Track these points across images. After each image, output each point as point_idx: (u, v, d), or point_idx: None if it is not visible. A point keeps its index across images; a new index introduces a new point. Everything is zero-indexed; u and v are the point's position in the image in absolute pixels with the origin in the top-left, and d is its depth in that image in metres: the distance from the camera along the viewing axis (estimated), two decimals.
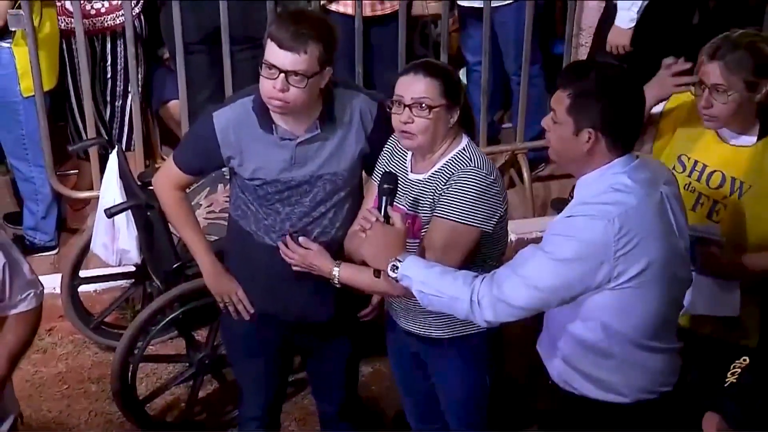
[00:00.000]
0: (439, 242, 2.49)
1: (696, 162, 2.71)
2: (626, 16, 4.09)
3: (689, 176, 2.71)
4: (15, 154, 4.10)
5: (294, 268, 2.68)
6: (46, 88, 3.90)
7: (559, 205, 4.29)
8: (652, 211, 2.25)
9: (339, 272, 2.59)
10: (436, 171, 2.56)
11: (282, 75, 2.50)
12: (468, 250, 2.50)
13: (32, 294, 2.48)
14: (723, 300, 2.67)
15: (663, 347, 2.39)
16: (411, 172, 2.61)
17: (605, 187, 2.25)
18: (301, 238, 2.66)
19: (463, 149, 2.56)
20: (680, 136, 2.77)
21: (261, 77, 2.54)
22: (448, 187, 2.51)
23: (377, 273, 2.42)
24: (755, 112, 2.62)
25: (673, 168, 2.69)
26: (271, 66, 2.51)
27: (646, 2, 4.06)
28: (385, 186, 2.48)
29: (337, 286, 2.62)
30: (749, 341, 2.69)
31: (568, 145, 2.29)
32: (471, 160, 2.53)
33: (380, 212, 2.45)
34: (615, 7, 4.16)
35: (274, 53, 2.50)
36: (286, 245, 2.66)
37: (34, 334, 2.57)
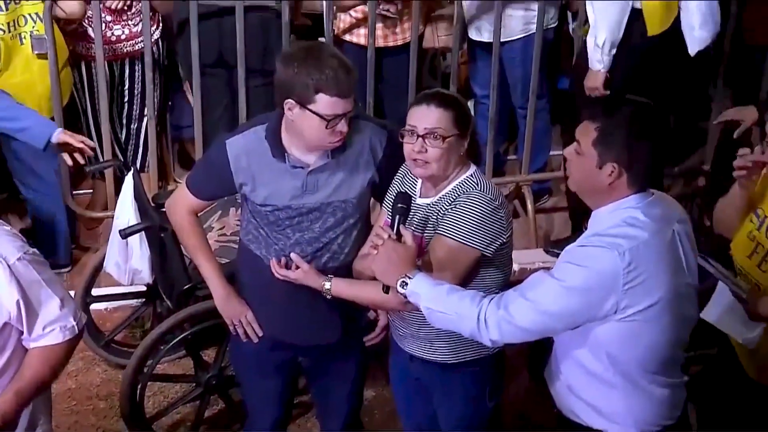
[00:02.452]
0: (437, 259, 2.54)
1: (766, 217, 2.70)
2: (594, 58, 4.04)
3: (758, 229, 2.70)
4: (23, 172, 4.15)
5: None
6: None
7: (555, 247, 4.32)
8: (662, 247, 2.28)
9: (331, 285, 2.67)
10: (443, 195, 2.62)
11: (344, 119, 2.60)
12: (464, 271, 2.54)
13: (56, 329, 2.38)
14: (744, 325, 2.69)
15: (667, 381, 2.41)
16: (420, 196, 2.68)
17: (619, 221, 2.28)
18: (292, 255, 2.72)
19: (471, 175, 2.62)
20: (761, 190, 2.75)
21: (329, 129, 2.59)
22: (452, 208, 2.57)
23: (386, 289, 2.47)
24: None
25: (750, 219, 2.72)
26: (334, 116, 2.58)
27: (613, 48, 4.00)
28: (399, 205, 2.53)
29: (328, 297, 2.68)
30: None
31: (589, 176, 2.31)
32: (477, 185, 2.59)
33: (392, 230, 2.50)
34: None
35: (335, 104, 2.57)
36: (277, 266, 2.73)
37: (54, 372, 2.45)
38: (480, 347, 2.68)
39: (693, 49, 4.05)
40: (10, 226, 2.43)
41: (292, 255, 2.73)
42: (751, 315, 2.66)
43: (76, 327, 2.42)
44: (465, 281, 2.55)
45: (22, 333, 2.39)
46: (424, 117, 2.56)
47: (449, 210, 2.57)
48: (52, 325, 2.38)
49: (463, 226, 2.54)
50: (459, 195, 2.58)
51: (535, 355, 2.80)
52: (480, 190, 2.58)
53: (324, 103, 2.57)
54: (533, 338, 2.36)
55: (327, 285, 2.68)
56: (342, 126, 2.60)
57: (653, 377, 2.38)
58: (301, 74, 2.57)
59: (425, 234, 2.63)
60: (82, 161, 3.54)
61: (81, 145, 3.47)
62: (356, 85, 2.61)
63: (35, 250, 2.39)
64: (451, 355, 2.71)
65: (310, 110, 2.57)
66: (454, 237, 2.54)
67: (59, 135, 3.44)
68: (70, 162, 3.53)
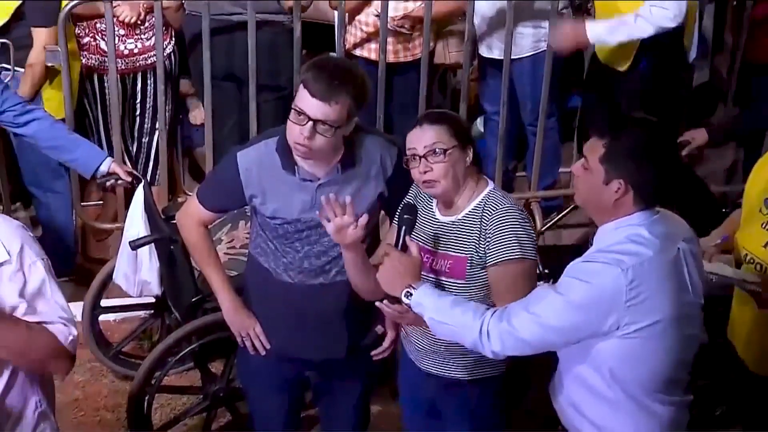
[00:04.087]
0: (505, 286, 2.53)
1: None
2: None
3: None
4: (32, 181, 4.19)
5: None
6: (60, 116, 3.95)
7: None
8: (666, 265, 2.29)
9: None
10: (469, 212, 2.61)
11: (310, 123, 2.55)
12: (533, 284, 2.53)
13: (60, 325, 2.29)
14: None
15: (670, 400, 2.41)
16: (439, 213, 2.67)
17: (623, 238, 2.29)
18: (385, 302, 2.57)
19: (493, 190, 2.63)
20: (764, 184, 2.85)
21: (289, 121, 2.60)
22: (490, 231, 2.56)
23: (391, 299, 2.49)
24: None
25: (759, 210, 2.79)
26: (301, 112, 2.57)
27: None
28: (405, 216, 2.55)
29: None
30: None
31: (596, 193, 2.33)
32: (504, 199, 2.61)
33: (398, 241, 2.51)
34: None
35: (305, 100, 2.56)
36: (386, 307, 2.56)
37: (29, 347, 2.23)
38: (498, 364, 2.69)
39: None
40: (32, 234, 2.45)
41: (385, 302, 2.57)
42: (763, 303, 2.68)
43: (69, 339, 2.32)
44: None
45: None
46: (421, 138, 2.57)
47: (488, 237, 2.56)
48: (55, 324, 2.30)
49: (512, 243, 2.54)
50: (484, 212, 2.58)
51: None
52: (506, 204, 2.59)
53: (299, 94, 2.57)
54: (534, 352, 2.37)
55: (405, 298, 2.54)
56: (306, 132, 2.55)
57: (656, 396, 2.38)
58: (303, 74, 2.60)
59: (448, 252, 2.62)
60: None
61: (127, 179, 3.53)
62: (340, 97, 2.54)
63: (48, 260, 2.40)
64: (467, 372, 2.72)
65: (293, 103, 2.59)
66: (511, 257, 2.54)
67: (109, 165, 3.48)
68: (127, 180, 3.56)
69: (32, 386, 2.41)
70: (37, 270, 2.34)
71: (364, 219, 2.53)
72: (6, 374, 2.36)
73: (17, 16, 3.91)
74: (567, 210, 4.61)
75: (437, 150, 2.55)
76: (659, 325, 2.27)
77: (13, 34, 3.92)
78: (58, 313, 2.34)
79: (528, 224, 2.61)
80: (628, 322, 2.25)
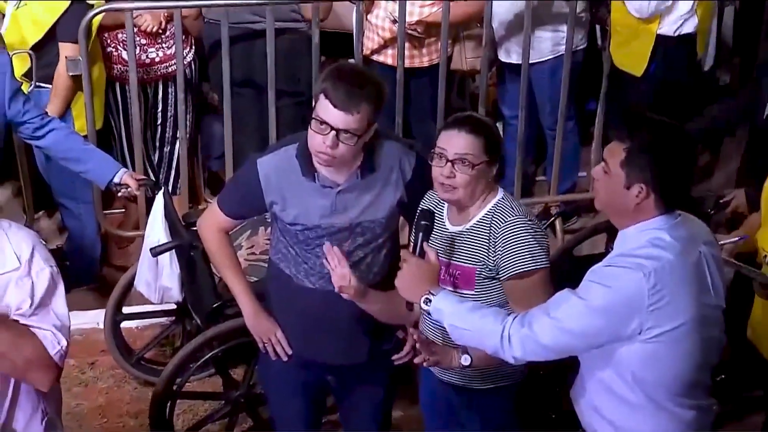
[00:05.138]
0: (519, 297, 2.53)
1: None
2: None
3: None
4: (65, 193, 4.24)
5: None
6: (90, 131, 4.02)
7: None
8: (688, 269, 2.28)
9: (469, 359, 2.56)
10: (477, 222, 2.62)
11: (333, 132, 2.56)
12: (548, 292, 2.50)
13: (49, 334, 2.22)
14: None
15: (694, 403, 2.40)
16: (449, 223, 2.68)
17: (644, 242, 2.29)
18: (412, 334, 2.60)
19: (501, 199, 2.63)
20: None
21: (311, 130, 2.60)
22: (500, 244, 2.56)
23: (410, 306, 2.49)
24: None
25: None
26: (323, 122, 2.58)
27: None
28: (422, 222, 2.55)
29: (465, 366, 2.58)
30: None
31: (616, 197, 2.32)
32: (513, 209, 2.60)
33: (415, 247, 2.51)
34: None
35: (327, 110, 2.56)
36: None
37: (13, 350, 2.16)
38: (512, 373, 2.70)
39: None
40: (44, 243, 2.46)
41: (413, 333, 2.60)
42: None
43: (57, 351, 2.26)
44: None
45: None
46: (455, 142, 2.57)
47: (499, 249, 2.56)
48: (45, 331, 2.25)
49: (524, 255, 2.54)
50: (492, 222, 2.58)
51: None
52: (515, 214, 2.59)
53: (320, 104, 2.58)
54: (556, 357, 2.36)
55: (465, 360, 2.57)
56: (329, 141, 2.57)
57: (679, 399, 2.37)
58: (321, 83, 2.61)
59: (458, 261, 2.63)
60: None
61: (136, 192, 3.59)
62: (361, 106, 2.56)
63: (58, 270, 2.39)
64: (483, 381, 2.71)
65: (313, 112, 2.60)
66: (522, 269, 2.54)
67: (123, 177, 3.53)
68: (137, 191, 3.62)
69: (37, 396, 2.39)
70: (44, 277, 2.31)
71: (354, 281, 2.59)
72: (10, 390, 2.33)
73: (50, 34, 3.96)
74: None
75: (466, 161, 2.55)
76: (682, 329, 2.26)
77: (45, 52, 3.98)
78: (53, 321, 2.28)
79: (539, 231, 2.60)
80: (651, 326, 2.24)
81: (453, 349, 2.57)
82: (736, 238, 3.04)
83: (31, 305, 2.25)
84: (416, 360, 2.56)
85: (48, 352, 2.22)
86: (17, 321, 2.23)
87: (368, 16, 4.38)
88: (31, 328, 2.22)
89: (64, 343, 2.26)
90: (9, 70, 3.35)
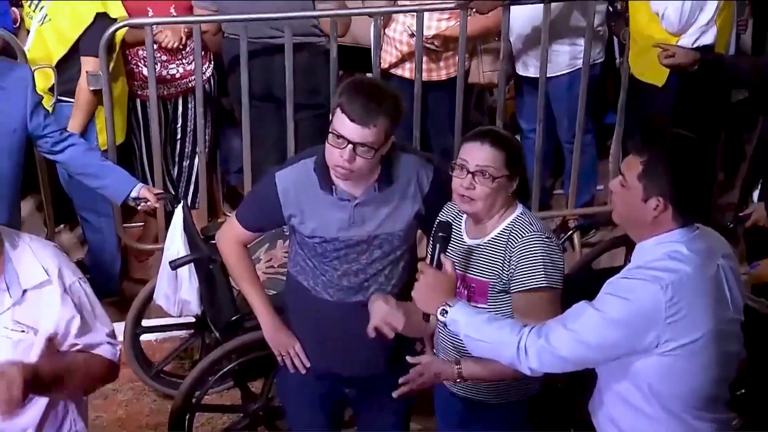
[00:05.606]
0: (526, 313, 2.53)
1: None
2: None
3: None
4: (86, 207, 4.28)
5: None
6: (112, 147, 4.07)
7: None
8: (706, 282, 2.27)
9: (462, 368, 2.60)
10: (495, 236, 2.62)
11: (350, 146, 2.58)
12: (556, 312, 2.51)
13: (107, 346, 2.42)
14: None
15: (712, 417, 2.39)
16: (466, 236, 2.69)
17: (662, 254, 2.28)
18: (407, 357, 2.68)
19: (520, 215, 2.63)
20: None
21: (328, 144, 2.62)
22: (515, 259, 2.56)
23: (426, 317, 2.49)
24: None
25: None
26: (340, 136, 2.60)
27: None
28: (439, 234, 2.55)
29: (460, 382, 2.63)
30: None
31: (634, 210, 2.32)
32: (529, 226, 2.60)
33: (433, 259, 2.52)
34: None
35: (343, 124, 2.58)
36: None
37: (91, 378, 2.42)
38: (524, 387, 2.70)
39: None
40: (66, 254, 2.50)
41: (407, 358, 2.67)
42: None
43: (117, 354, 2.47)
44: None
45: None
46: (477, 154, 2.58)
47: (513, 263, 2.57)
48: (101, 347, 2.42)
49: (538, 272, 2.55)
50: (515, 238, 2.59)
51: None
52: (534, 231, 2.59)
53: (337, 118, 2.60)
54: (573, 369, 2.36)
55: (456, 369, 2.61)
56: (347, 155, 2.58)
57: (697, 413, 2.36)
58: (338, 97, 2.63)
59: (475, 275, 2.64)
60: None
61: (155, 204, 3.62)
62: (378, 119, 2.57)
63: (86, 278, 2.46)
64: (493, 395, 2.71)
65: (330, 126, 2.62)
66: (533, 286, 2.55)
67: (141, 191, 3.55)
68: (156, 204, 3.66)
69: (65, 408, 2.46)
70: (78, 289, 2.40)
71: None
72: (42, 406, 2.41)
73: (73, 49, 4.01)
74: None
75: (487, 174, 2.56)
76: (699, 342, 2.25)
77: (67, 66, 4.03)
78: (103, 329, 2.43)
79: (555, 250, 2.59)
80: (668, 339, 2.24)
81: (450, 362, 2.60)
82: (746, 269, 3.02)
83: (81, 320, 2.36)
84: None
85: (110, 360, 2.44)
86: (79, 350, 2.38)
87: (386, 30, 4.41)
88: (90, 351, 2.40)
89: (119, 345, 2.47)
90: (31, 84, 3.39)
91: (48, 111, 3.62)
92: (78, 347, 2.39)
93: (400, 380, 2.67)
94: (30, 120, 3.39)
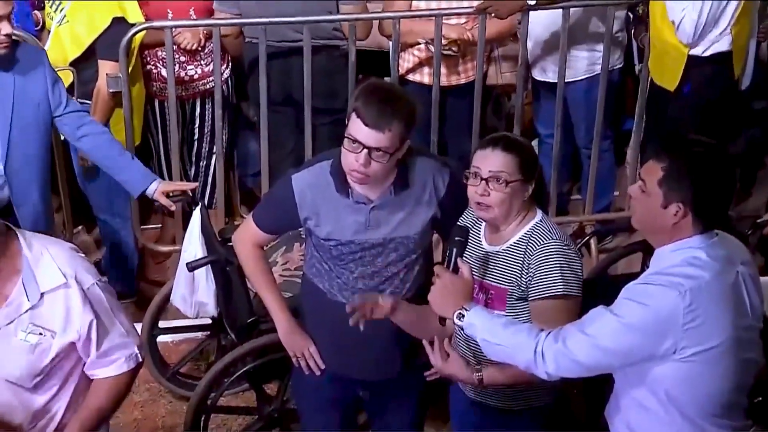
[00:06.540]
0: (545, 322, 2.50)
1: None
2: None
3: None
4: (103, 208, 4.30)
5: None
6: (130, 147, 4.07)
7: None
8: (725, 289, 2.26)
9: (483, 375, 2.58)
10: (514, 243, 2.61)
11: (365, 150, 2.58)
12: (574, 320, 2.47)
13: (122, 358, 2.48)
14: None
15: (729, 424, 2.37)
16: (485, 242, 2.68)
17: (680, 261, 2.27)
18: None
19: (540, 221, 2.62)
20: None
21: (344, 149, 2.63)
22: (533, 267, 2.55)
23: (442, 321, 2.49)
24: None
25: None
26: (355, 140, 2.60)
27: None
28: (456, 238, 2.55)
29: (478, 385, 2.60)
30: None
31: (654, 216, 2.31)
32: (549, 233, 2.59)
33: (449, 262, 2.52)
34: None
35: (359, 129, 2.58)
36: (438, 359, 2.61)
37: (117, 402, 2.53)
38: (542, 395, 2.68)
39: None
40: (84, 256, 2.52)
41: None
42: None
43: (139, 355, 2.51)
44: None
45: (80, 359, 2.46)
46: (489, 160, 2.57)
47: (532, 271, 2.56)
48: (117, 352, 2.46)
49: (556, 279, 2.54)
50: (533, 246, 2.58)
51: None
52: (552, 238, 2.58)
53: (352, 123, 2.61)
54: (589, 374, 2.35)
55: (476, 377, 2.59)
56: (362, 159, 2.59)
57: (714, 419, 2.35)
58: (353, 101, 2.64)
59: (493, 282, 2.63)
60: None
61: (171, 208, 3.67)
62: (393, 124, 2.58)
63: (106, 279, 2.47)
64: (512, 401, 2.71)
65: (346, 130, 2.62)
66: (554, 294, 2.53)
67: (156, 189, 3.58)
68: (172, 207, 3.69)
69: None
70: (96, 292, 2.42)
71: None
72: (61, 410, 2.46)
73: (90, 51, 4.04)
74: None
75: (500, 179, 2.56)
76: (717, 349, 2.24)
77: (84, 68, 4.05)
78: (119, 333, 2.46)
79: (574, 259, 2.58)
80: (686, 345, 2.23)
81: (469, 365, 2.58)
82: None
83: (99, 322, 2.41)
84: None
85: (130, 371, 2.53)
86: (100, 377, 2.49)
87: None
88: (107, 368, 2.47)
89: (135, 348, 2.53)
90: (46, 62, 3.43)
91: (67, 91, 3.64)
92: (98, 377, 2.47)
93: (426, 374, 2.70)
94: (52, 92, 3.42)
